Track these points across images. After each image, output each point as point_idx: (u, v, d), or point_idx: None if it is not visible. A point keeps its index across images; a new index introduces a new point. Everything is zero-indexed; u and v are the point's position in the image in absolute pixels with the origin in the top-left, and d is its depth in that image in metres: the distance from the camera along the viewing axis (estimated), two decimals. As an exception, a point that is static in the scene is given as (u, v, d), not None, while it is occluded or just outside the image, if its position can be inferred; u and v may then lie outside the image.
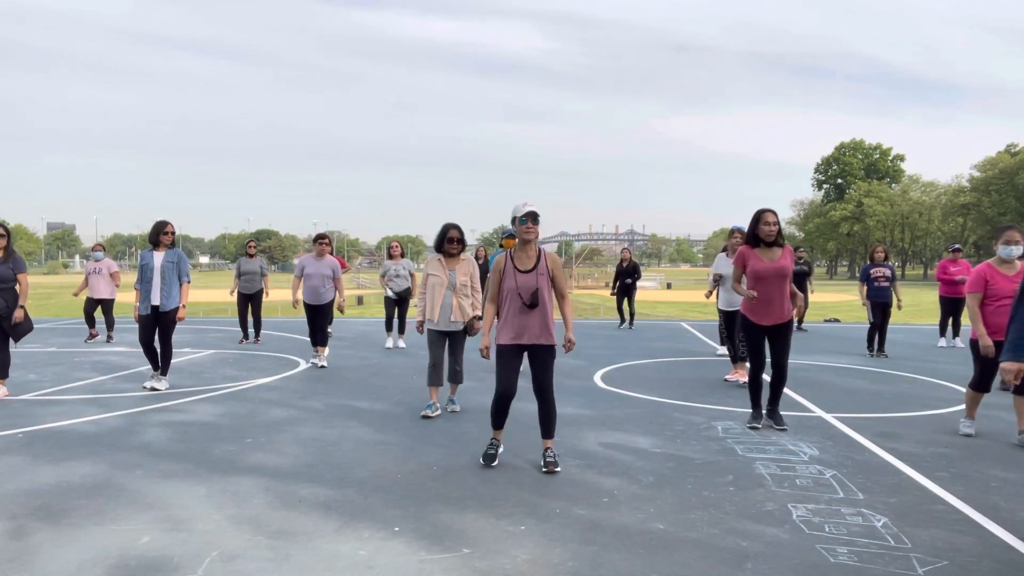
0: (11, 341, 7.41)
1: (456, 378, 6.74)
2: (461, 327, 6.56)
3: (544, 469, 4.85)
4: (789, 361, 9.91)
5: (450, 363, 6.73)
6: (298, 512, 4.07)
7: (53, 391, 7.70)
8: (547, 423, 4.96)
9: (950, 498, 4.35)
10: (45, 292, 51.32)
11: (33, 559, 3.44)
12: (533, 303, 4.82)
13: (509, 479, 4.70)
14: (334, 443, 5.57)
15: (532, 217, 4.81)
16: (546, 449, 4.96)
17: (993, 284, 5.73)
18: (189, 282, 7.70)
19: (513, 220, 4.91)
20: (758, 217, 6.04)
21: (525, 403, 7.05)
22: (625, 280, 14.67)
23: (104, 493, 4.37)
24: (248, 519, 3.96)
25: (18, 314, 7.23)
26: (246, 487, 4.50)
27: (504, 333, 4.92)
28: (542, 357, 4.90)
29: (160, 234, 7.60)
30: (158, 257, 7.58)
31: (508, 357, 4.91)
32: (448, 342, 6.67)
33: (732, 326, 8.52)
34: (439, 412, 6.67)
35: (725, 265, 8.49)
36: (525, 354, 5.03)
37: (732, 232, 8.48)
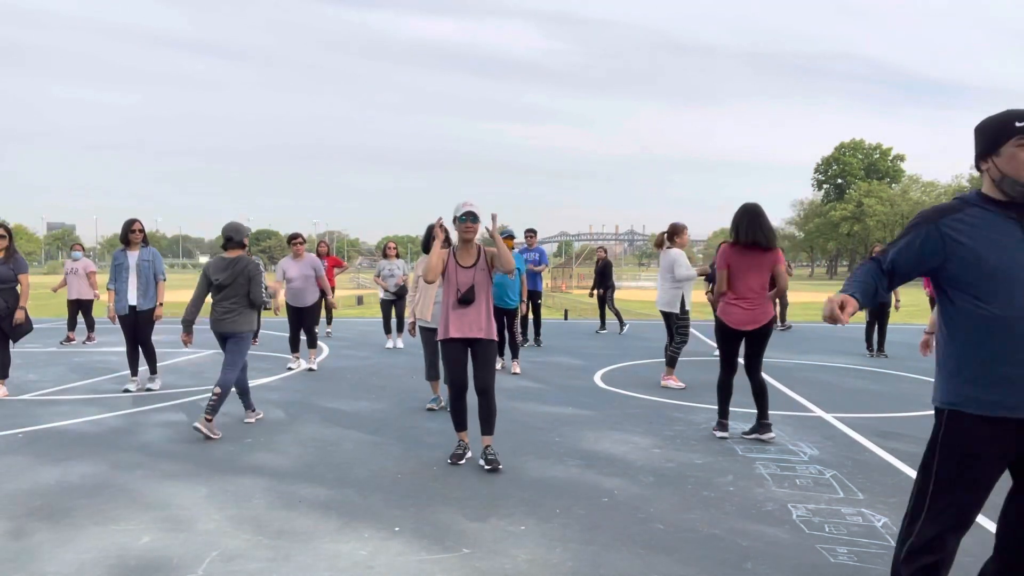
0: (11, 341, 7.40)
1: None
2: None
3: (487, 467, 4.87)
4: (789, 361, 9.87)
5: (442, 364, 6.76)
6: (298, 512, 4.07)
7: (53, 391, 7.70)
8: (488, 420, 5.00)
9: (950, 498, 4.35)
10: (45, 292, 51.25)
11: (33, 559, 3.44)
12: (467, 299, 4.91)
13: (509, 479, 4.70)
14: (334, 443, 5.57)
15: (471, 217, 4.87)
16: (487, 447, 4.99)
17: None
18: (164, 280, 7.60)
19: (454, 219, 4.95)
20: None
21: (523, 403, 7.05)
22: (601, 282, 13.96)
23: (104, 493, 4.38)
24: (248, 519, 3.96)
25: (19, 315, 7.22)
26: (246, 487, 4.50)
27: (444, 328, 4.99)
28: (482, 352, 4.98)
29: (128, 232, 7.49)
30: (132, 256, 7.50)
31: (452, 352, 4.98)
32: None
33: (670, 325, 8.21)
34: (443, 404, 6.88)
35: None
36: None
37: (682, 229, 8.24)
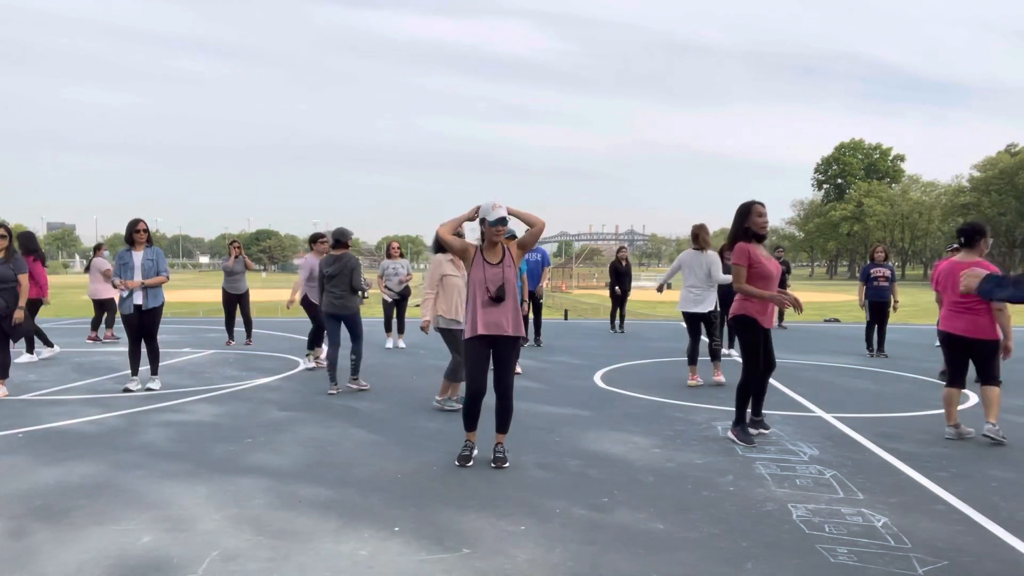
0: (11, 341, 7.40)
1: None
2: None
3: (493, 464, 4.94)
4: (789, 361, 9.88)
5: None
6: (298, 512, 4.07)
7: (53, 391, 7.70)
8: (504, 418, 5.04)
9: (950, 498, 4.35)
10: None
11: (33, 559, 3.44)
12: (500, 296, 4.88)
13: (509, 479, 4.69)
14: (334, 443, 5.57)
15: (502, 221, 4.87)
16: (498, 444, 5.05)
17: None
18: (167, 278, 7.64)
19: (481, 220, 4.92)
20: (748, 209, 5.57)
21: (523, 403, 7.05)
22: (626, 282, 14.05)
23: (104, 493, 4.37)
24: (248, 519, 3.96)
25: (18, 315, 7.22)
26: (246, 487, 4.50)
27: (472, 326, 4.94)
28: (507, 350, 4.96)
29: (132, 232, 7.53)
30: (137, 256, 7.51)
31: (477, 351, 4.94)
32: None
33: (712, 326, 8.33)
34: (446, 406, 6.84)
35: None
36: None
37: (703, 228, 8.16)
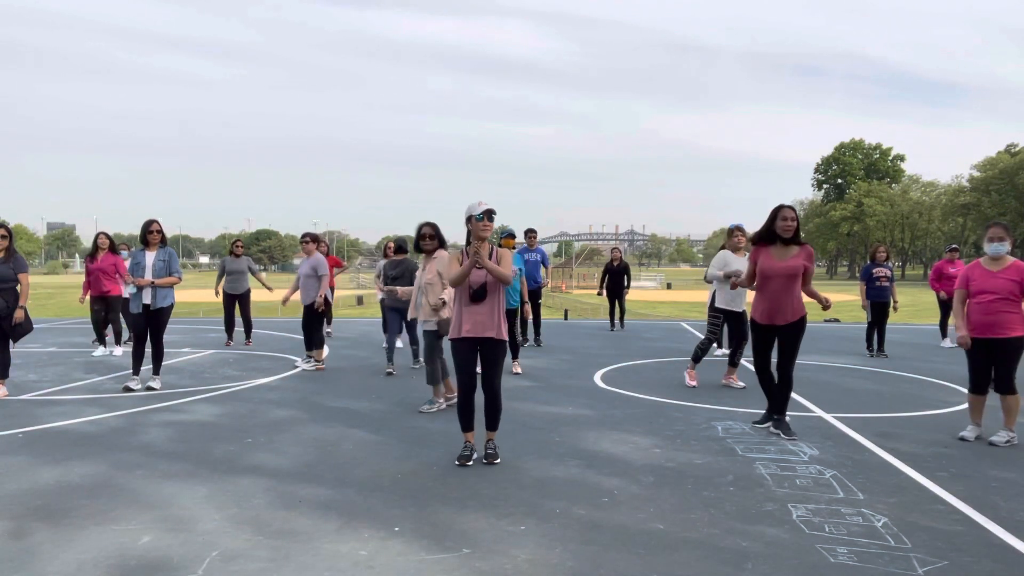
0: (11, 341, 7.40)
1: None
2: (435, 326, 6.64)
3: (484, 460, 4.97)
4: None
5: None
6: (298, 512, 4.07)
7: (53, 391, 7.70)
8: (492, 416, 5.08)
9: (950, 498, 4.35)
10: (45, 292, 51.34)
11: (33, 559, 3.44)
12: (479, 296, 4.91)
13: (509, 479, 4.69)
14: (334, 443, 5.57)
15: (489, 215, 4.88)
16: (488, 440, 5.09)
17: (973, 281, 5.71)
18: (180, 279, 7.72)
19: (468, 219, 4.93)
20: (775, 213, 5.92)
21: (523, 403, 7.05)
22: (619, 282, 14.24)
23: (104, 493, 4.37)
24: (248, 519, 3.96)
25: (18, 314, 7.22)
26: (246, 487, 4.50)
27: (456, 327, 4.99)
28: (491, 351, 4.98)
29: (146, 232, 7.67)
30: (149, 256, 7.59)
31: (462, 352, 4.99)
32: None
33: (732, 326, 8.36)
34: (434, 408, 6.80)
35: (736, 263, 8.18)
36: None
37: (732, 231, 8.31)
